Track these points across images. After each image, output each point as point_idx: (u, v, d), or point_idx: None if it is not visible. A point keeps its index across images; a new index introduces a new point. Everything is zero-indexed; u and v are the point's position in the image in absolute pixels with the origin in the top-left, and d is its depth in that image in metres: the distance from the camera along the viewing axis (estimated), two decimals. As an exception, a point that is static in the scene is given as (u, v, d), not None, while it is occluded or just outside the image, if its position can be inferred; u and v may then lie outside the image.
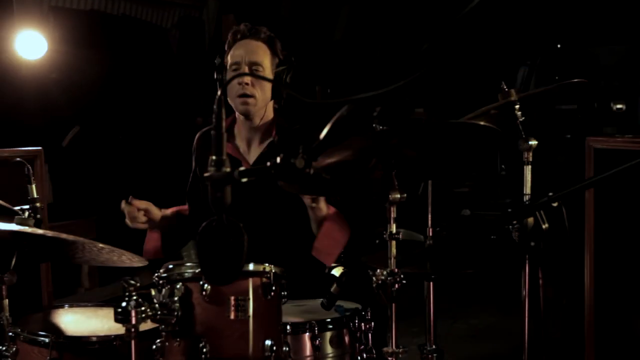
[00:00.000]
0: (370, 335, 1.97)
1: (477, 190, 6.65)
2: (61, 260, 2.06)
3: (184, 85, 5.74)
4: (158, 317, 1.51)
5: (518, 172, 1.83)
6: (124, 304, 1.46)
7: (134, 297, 1.47)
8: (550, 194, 1.33)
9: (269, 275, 1.62)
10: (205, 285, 1.54)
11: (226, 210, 1.24)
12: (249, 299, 1.57)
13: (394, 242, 1.57)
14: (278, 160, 1.13)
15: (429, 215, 1.88)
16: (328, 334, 1.84)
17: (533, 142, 1.86)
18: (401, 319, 1.71)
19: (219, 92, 1.23)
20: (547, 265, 1.44)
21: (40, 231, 1.56)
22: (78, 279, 4.71)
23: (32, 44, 4.15)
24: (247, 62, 2.25)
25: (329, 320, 1.86)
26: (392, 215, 1.56)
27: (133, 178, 5.16)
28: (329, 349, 1.84)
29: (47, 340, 1.84)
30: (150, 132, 5.56)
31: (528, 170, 1.86)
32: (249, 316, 1.57)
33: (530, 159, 1.86)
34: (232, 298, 1.55)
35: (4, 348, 1.75)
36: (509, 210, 1.38)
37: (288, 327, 1.77)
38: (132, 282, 1.55)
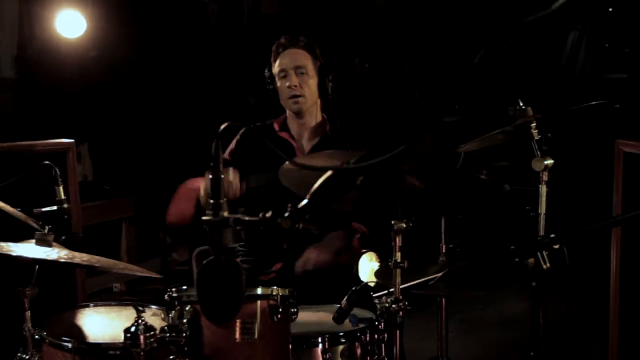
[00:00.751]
0: (383, 345, 2.00)
1: (518, 164, 6.57)
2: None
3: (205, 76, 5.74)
4: (167, 339, 1.56)
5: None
6: (132, 328, 1.51)
7: (143, 322, 1.52)
8: (552, 235, 1.32)
9: (276, 297, 1.65)
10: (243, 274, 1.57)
11: (224, 251, 1.27)
12: (255, 321, 1.61)
13: (398, 271, 1.58)
14: (268, 215, 1.14)
15: (442, 235, 1.88)
16: (339, 348, 1.88)
17: (549, 162, 1.84)
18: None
19: (215, 142, 1.25)
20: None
21: (53, 257, 1.61)
22: (117, 255, 4.86)
23: (72, 23, 4.23)
24: (292, 67, 2.53)
25: (341, 333, 1.89)
26: (397, 244, 1.57)
27: (170, 156, 5.24)
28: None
29: (69, 345, 1.92)
30: (187, 111, 5.62)
31: (543, 189, 1.84)
32: (255, 339, 1.61)
33: (546, 178, 1.84)
34: (239, 321, 1.59)
35: (27, 357, 1.83)
36: (512, 248, 1.37)
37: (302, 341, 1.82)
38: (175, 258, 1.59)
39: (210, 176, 1.26)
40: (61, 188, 2.38)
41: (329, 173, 1.06)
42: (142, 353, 1.51)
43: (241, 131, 2.61)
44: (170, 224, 2.58)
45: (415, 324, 3.41)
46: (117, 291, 4.68)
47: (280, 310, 1.65)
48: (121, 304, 2.36)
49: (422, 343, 3.20)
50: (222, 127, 2.56)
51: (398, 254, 1.57)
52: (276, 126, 2.63)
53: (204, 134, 5.29)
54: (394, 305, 1.59)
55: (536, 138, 1.82)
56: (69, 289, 2.95)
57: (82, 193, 4.80)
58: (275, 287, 1.67)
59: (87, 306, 2.29)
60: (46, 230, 1.80)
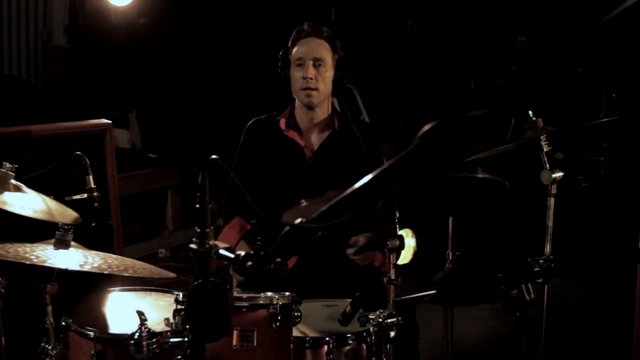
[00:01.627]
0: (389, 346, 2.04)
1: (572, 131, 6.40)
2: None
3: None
4: (169, 344, 1.64)
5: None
6: (136, 335, 1.60)
7: (147, 329, 1.61)
8: (537, 269, 1.32)
9: (275, 306, 1.71)
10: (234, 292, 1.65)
11: (211, 277, 1.32)
12: (253, 330, 1.68)
13: (392, 287, 1.61)
14: (241, 255, 1.19)
15: (449, 241, 1.89)
16: (344, 349, 1.93)
17: (557, 175, 1.81)
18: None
19: (202, 173, 1.29)
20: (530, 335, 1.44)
21: (64, 266, 1.69)
22: (163, 221, 5.02)
23: (121, -10, 4.30)
24: (311, 57, 2.44)
25: (348, 335, 1.94)
26: (391, 262, 1.60)
27: (215, 126, 5.34)
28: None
29: (92, 334, 2.04)
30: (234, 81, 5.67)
31: (552, 202, 1.82)
32: (254, 346, 1.68)
33: (554, 192, 1.82)
34: (237, 330, 1.66)
35: (49, 347, 1.96)
36: (500, 276, 1.38)
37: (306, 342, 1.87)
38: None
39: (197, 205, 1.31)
40: (91, 177, 2.48)
41: (287, 228, 1.09)
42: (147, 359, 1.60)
43: (249, 123, 2.60)
44: None
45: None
46: (162, 256, 4.86)
47: (280, 318, 1.71)
48: (146, 289, 2.47)
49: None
50: (249, 123, 2.62)
51: (392, 271, 1.60)
52: (282, 123, 2.54)
53: (246, 105, 5.36)
54: (387, 320, 1.62)
55: (546, 150, 1.79)
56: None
57: (130, 161, 4.98)
58: (276, 296, 1.73)
59: (114, 291, 2.40)
60: (67, 230, 1.88)
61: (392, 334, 1.62)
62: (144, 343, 1.59)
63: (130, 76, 5.37)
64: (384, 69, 6.28)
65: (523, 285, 1.34)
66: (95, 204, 2.47)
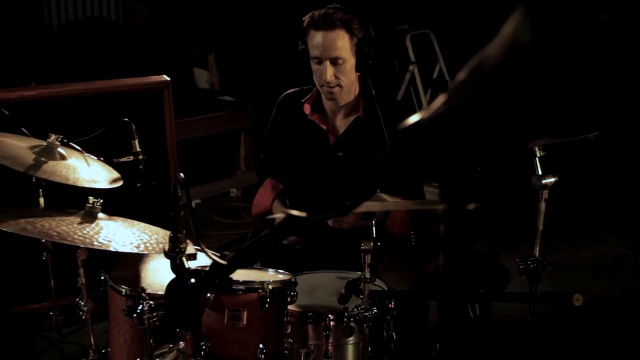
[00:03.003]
0: (392, 322, 2.16)
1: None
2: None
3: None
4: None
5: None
6: (138, 309, 1.81)
7: (148, 304, 1.81)
8: (481, 290, 1.39)
9: (265, 289, 1.86)
10: (208, 294, 1.83)
11: (186, 274, 1.49)
12: (243, 310, 1.85)
13: (367, 285, 1.72)
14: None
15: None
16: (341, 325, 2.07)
17: (549, 180, 1.82)
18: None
19: (176, 179, 1.43)
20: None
21: (84, 244, 1.89)
22: (237, 162, 5.26)
23: None
24: (327, 57, 2.35)
25: (342, 312, 2.07)
26: (366, 262, 1.70)
27: (288, 69, 5.42)
28: (341, 339, 2.07)
29: (123, 292, 2.28)
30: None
31: (542, 207, 1.84)
32: (243, 324, 1.85)
33: (546, 197, 1.84)
34: (228, 309, 1.84)
35: (82, 303, 2.22)
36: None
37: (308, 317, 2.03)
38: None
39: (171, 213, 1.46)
40: (136, 141, 2.69)
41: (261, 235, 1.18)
42: (147, 330, 1.81)
43: (281, 97, 2.63)
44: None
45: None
46: (233, 195, 5.12)
47: (269, 300, 1.86)
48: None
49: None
50: (280, 98, 2.70)
51: (367, 270, 1.71)
52: (307, 108, 2.53)
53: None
54: (364, 314, 1.74)
55: (539, 155, 1.80)
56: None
57: (207, 104, 5.19)
58: (270, 280, 1.88)
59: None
60: (98, 202, 2.09)
61: (367, 326, 1.74)
62: (145, 317, 1.79)
63: (211, 18, 5.51)
64: (466, 12, 6.09)
65: (469, 305, 1.41)
66: (140, 166, 2.68)
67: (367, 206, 1.64)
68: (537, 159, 1.81)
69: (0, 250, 3.15)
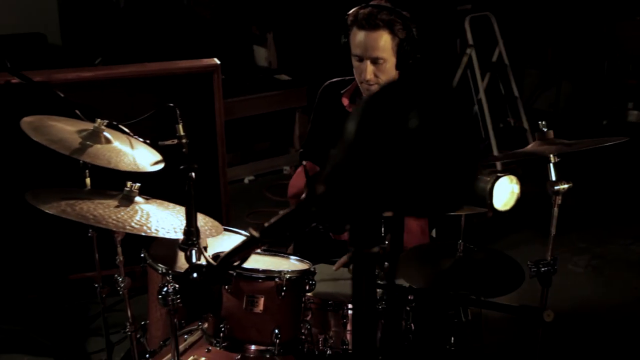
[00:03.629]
0: (411, 314, 2.23)
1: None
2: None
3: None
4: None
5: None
6: (164, 291, 1.94)
7: (172, 285, 1.94)
8: (472, 296, 1.45)
9: (282, 278, 1.96)
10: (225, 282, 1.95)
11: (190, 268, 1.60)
12: (260, 297, 1.95)
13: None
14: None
15: (461, 232, 2.01)
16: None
17: (563, 186, 1.84)
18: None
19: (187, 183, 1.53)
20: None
21: (116, 228, 2.03)
22: (291, 140, 5.36)
23: None
24: (369, 57, 2.39)
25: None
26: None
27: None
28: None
29: (159, 270, 2.43)
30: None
31: (555, 212, 1.86)
32: (260, 310, 1.96)
33: (559, 202, 1.85)
34: (246, 295, 1.95)
35: (120, 279, 2.38)
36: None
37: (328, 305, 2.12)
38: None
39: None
40: (180, 126, 2.81)
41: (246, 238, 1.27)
42: (172, 310, 1.94)
43: (323, 86, 2.70)
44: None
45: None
46: (286, 173, 5.24)
47: (285, 289, 1.96)
48: (230, 230, 2.79)
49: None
50: (323, 87, 2.76)
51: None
52: (345, 101, 2.59)
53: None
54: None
55: (553, 162, 1.81)
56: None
57: (263, 82, 5.30)
58: (285, 270, 1.98)
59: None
60: (135, 186, 2.23)
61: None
62: (169, 298, 1.92)
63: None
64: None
65: (461, 309, 1.47)
66: (184, 149, 2.82)
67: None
68: (551, 165, 1.82)
69: (58, 222, 3.36)
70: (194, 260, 1.53)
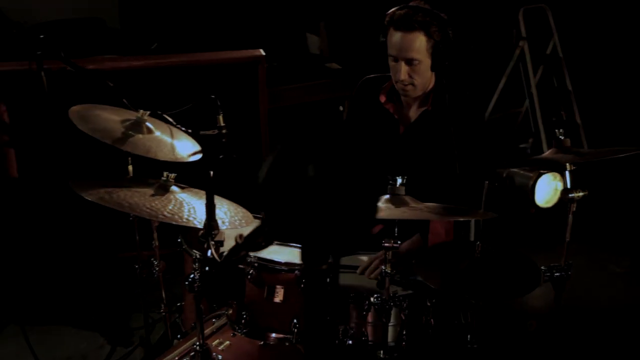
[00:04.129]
0: (431, 309, 2.27)
1: None
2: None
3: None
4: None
5: None
6: (191, 276, 2.05)
7: (198, 272, 2.05)
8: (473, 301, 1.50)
9: (302, 270, 2.05)
10: (251, 270, 2.05)
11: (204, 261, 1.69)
12: (280, 287, 2.05)
13: (388, 279, 1.87)
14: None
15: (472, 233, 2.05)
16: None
17: (577, 194, 1.86)
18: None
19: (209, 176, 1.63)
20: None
21: (149, 217, 2.15)
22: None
23: None
24: (403, 58, 2.42)
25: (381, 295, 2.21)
26: (388, 258, 1.84)
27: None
28: (379, 320, 2.21)
29: (194, 255, 2.54)
30: None
31: (570, 219, 1.89)
32: (280, 300, 2.06)
33: (574, 209, 1.88)
34: (267, 286, 2.05)
35: (155, 262, 2.51)
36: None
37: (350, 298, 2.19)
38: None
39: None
40: (221, 117, 2.92)
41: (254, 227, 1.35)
42: (197, 296, 2.05)
43: (360, 81, 2.73)
44: None
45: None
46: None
47: (304, 280, 2.05)
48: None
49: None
50: (360, 82, 2.81)
51: (388, 265, 1.85)
52: (382, 98, 2.62)
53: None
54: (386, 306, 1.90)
55: (569, 169, 1.83)
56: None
57: (314, 70, 5.37)
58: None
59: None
60: (172, 176, 2.34)
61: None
62: (195, 285, 2.04)
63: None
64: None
65: (461, 313, 1.52)
66: (223, 139, 2.93)
67: (389, 214, 1.76)
68: (567, 172, 1.84)
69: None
70: (209, 254, 1.63)
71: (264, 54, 3.58)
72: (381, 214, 1.77)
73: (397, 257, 2.35)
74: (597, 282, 3.62)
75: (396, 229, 1.86)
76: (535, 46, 5.26)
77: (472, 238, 2.75)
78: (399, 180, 1.88)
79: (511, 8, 5.30)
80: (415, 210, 1.85)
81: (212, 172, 1.63)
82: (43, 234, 3.57)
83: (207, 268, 1.55)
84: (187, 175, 2.46)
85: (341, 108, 2.69)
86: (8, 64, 3.34)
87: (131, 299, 3.53)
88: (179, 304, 2.70)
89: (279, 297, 2.06)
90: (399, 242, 1.88)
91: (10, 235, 3.53)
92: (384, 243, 1.88)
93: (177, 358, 2.21)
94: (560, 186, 2.38)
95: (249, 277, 2.07)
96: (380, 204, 1.87)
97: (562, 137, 1.87)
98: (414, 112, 2.62)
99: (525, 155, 5.18)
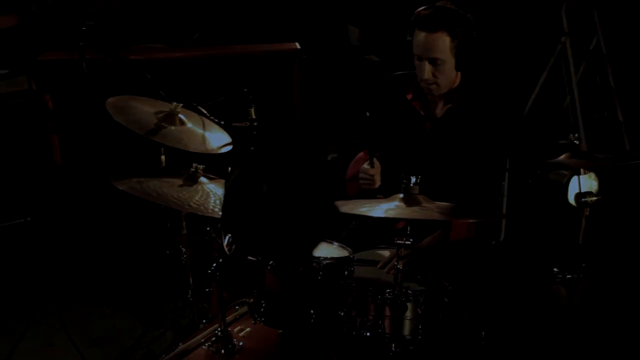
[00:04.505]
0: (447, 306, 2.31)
1: None
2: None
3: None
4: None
5: None
6: (212, 267, 2.13)
7: (220, 261, 2.13)
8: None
9: (319, 263, 2.12)
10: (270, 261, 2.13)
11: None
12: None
13: (400, 275, 1.92)
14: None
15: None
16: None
17: (590, 199, 1.87)
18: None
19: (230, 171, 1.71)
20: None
21: (176, 207, 2.23)
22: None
23: None
24: (427, 57, 2.47)
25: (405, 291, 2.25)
26: (401, 255, 1.89)
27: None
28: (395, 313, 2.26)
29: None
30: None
31: (583, 223, 1.90)
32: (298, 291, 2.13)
33: (587, 213, 1.89)
34: (285, 277, 2.13)
35: (184, 250, 2.61)
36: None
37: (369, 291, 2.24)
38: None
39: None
40: (253, 110, 3.00)
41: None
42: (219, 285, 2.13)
43: (388, 78, 2.76)
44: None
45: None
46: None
47: (322, 273, 2.12)
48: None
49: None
50: (387, 78, 2.84)
51: (400, 262, 1.90)
52: (409, 95, 2.66)
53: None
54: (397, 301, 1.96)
55: (582, 175, 1.84)
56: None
57: (351, 62, 5.40)
58: (323, 256, 2.13)
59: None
60: (200, 167, 2.42)
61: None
62: (217, 274, 2.12)
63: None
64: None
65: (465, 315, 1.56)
66: (255, 132, 3.01)
67: (399, 214, 1.80)
68: (579, 177, 1.86)
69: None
70: (224, 244, 1.71)
71: (299, 47, 3.63)
72: (391, 214, 1.82)
73: (417, 252, 2.41)
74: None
75: (409, 227, 1.91)
76: (577, 42, 5.18)
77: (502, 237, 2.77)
78: (413, 180, 1.93)
79: (554, 2, 5.23)
80: (426, 210, 1.89)
81: (230, 168, 1.70)
82: (83, 220, 3.72)
83: (221, 260, 1.62)
84: (221, 166, 2.52)
85: (368, 114, 2.72)
86: (53, 54, 3.47)
87: (165, 283, 3.64)
88: (207, 290, 2.79)
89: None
90: (410, 239, 1.93)
91: (52, 219, 3.69)
92: (396, 240, 1.93)
93: (201, 341, 2.30)
94: (594, 185, 2.38)
95: (269, 267, 2.14)
96: (392, 203, 1.92)
97: (578, 142, 1.88)
98: (439, 109, 2.65)
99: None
